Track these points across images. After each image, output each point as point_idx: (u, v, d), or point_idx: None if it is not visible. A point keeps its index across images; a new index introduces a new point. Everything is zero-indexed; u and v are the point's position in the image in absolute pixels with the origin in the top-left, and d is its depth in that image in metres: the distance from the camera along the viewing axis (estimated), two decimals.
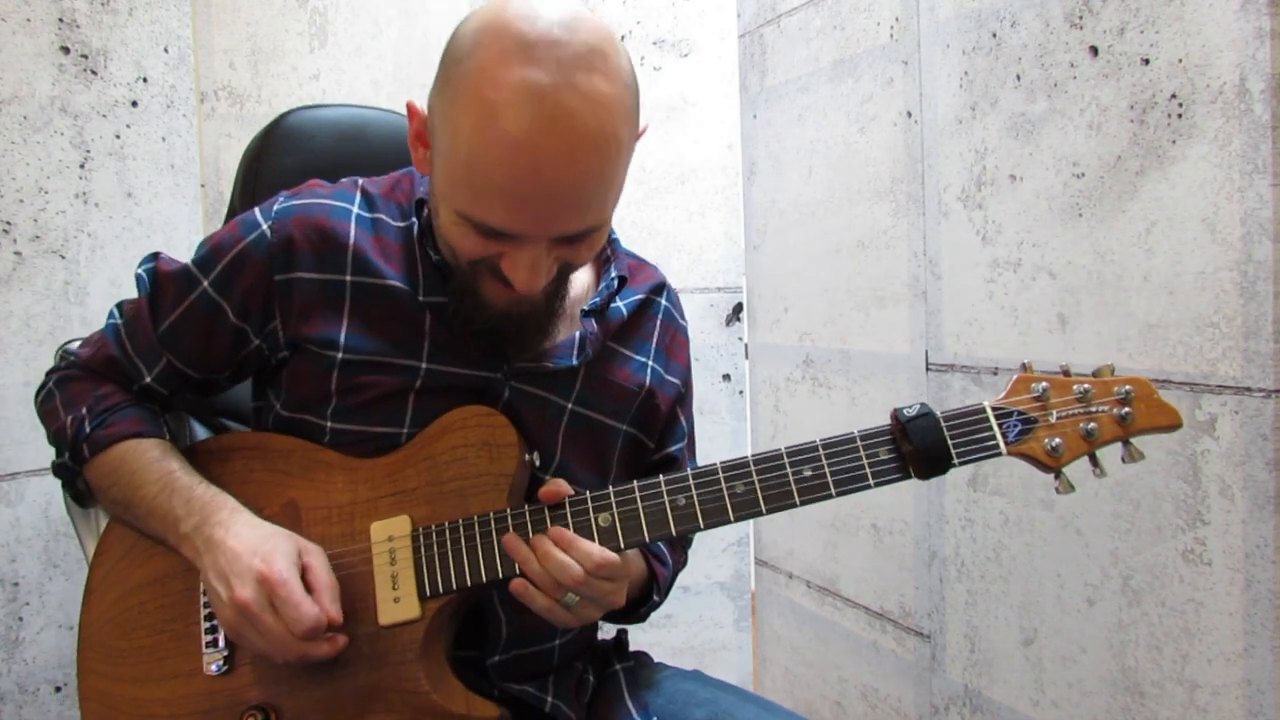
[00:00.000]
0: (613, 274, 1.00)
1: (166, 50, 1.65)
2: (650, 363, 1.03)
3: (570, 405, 0.97)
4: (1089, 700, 1.23)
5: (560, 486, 0.88)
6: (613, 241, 1.03)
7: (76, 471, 0.97)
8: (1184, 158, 1.08)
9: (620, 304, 1.01)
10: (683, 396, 1.08)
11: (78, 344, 1.04)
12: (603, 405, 0.99)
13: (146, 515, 0.92)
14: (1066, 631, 1.25)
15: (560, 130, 0.76)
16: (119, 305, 1.01)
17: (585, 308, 0.97)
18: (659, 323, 1.05)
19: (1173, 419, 0.85)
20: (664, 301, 1.07)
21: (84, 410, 0.96)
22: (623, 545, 0.86)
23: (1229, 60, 1.02)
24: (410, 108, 0.89)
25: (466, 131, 0.78)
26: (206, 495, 0.90)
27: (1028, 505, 1.30)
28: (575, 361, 0.95)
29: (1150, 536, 1.13)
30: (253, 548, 0.85)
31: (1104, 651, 1.20)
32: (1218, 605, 1.07)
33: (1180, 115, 1.08)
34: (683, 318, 1.10)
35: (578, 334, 0.96)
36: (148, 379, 0.98)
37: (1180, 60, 1.07)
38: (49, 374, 1.02)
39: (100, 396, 0.97)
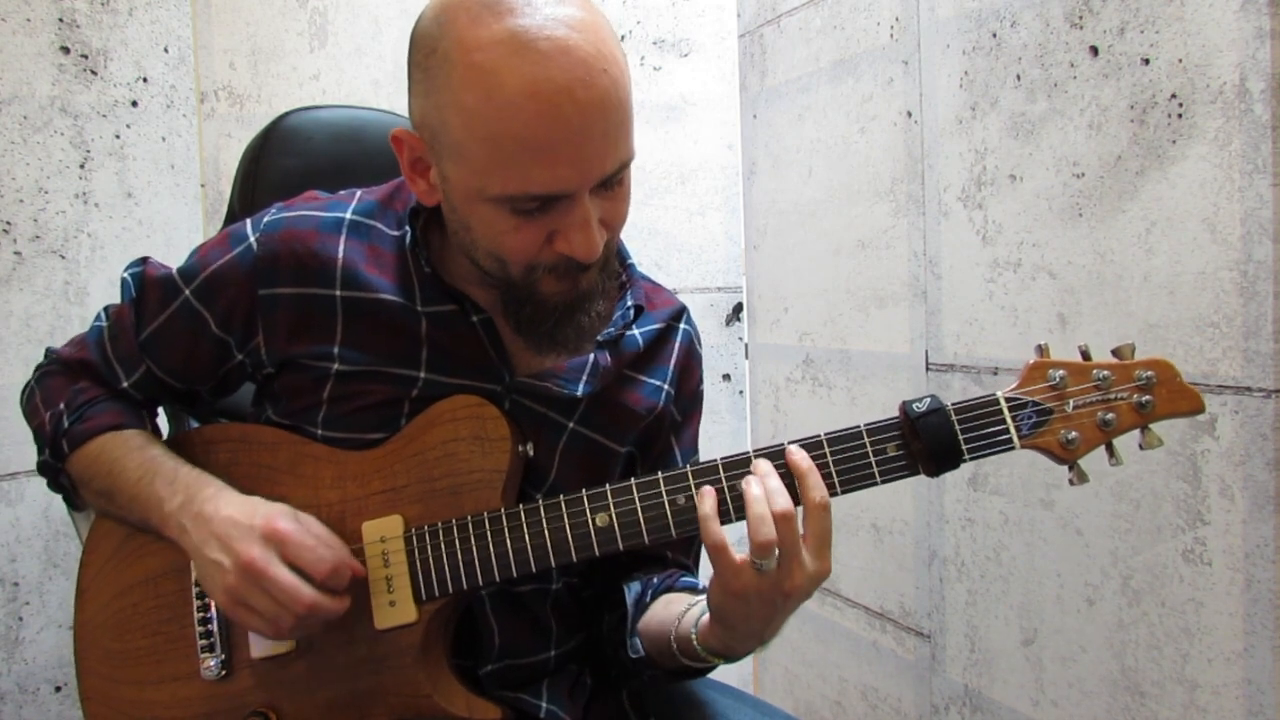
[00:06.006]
0: (629, 303, 0.96)
1: (166, 50, 1.65)
2: (665, 386, 0.99)
3: (571, 424, 0.94)
4: (1089, 700, 1.23)
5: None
6: (629, 266, 0.99)
7: (59, 468, 0.96)
8: (1184, 158, 1.07)
9: (636, 333, 0.97)
10: (678, 425, 1.03)
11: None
12: (606, 427, 0.95)
13: (129, 502, 0.90)
14: (1066, 631, 1.25)
15: (563, 64, 0.74)
16: (106, 309, 0.99)
17: (600, 338, 0.93)
18: (677, 346, 1.01)
19: (1195, 404, 0.81)
20: (684, 326, 1.03)
21: (62, 406, 0.95)
22: (621, 546, 0.83)
23: (1229, 60, 1.02)
24: (396, 137, 0.84)
25: (473, 107, 0.75)
26: (190, 476, 0.88)
27: (1028, 505, 1.30)
28: (580, 393, 0.92)
29: (1150, 536, 1.13)
30: (249, 512, 0.83)
31: (1104, 651, 1.20)
32: (1218, 605, 1.07)
33: (1180, 115, 1.08)
34: (700, 345, 1.06)
35: (590, 358, 0.93)
36: (125, 384, 0.96)
37: (1180, 60, 1.07)
38: (35, 369, 1.02)
39: (78, 391, 0.96)
